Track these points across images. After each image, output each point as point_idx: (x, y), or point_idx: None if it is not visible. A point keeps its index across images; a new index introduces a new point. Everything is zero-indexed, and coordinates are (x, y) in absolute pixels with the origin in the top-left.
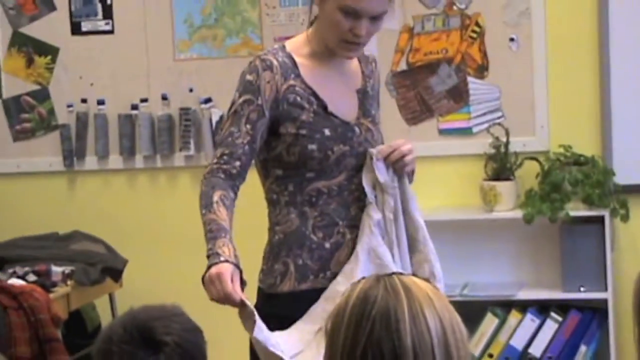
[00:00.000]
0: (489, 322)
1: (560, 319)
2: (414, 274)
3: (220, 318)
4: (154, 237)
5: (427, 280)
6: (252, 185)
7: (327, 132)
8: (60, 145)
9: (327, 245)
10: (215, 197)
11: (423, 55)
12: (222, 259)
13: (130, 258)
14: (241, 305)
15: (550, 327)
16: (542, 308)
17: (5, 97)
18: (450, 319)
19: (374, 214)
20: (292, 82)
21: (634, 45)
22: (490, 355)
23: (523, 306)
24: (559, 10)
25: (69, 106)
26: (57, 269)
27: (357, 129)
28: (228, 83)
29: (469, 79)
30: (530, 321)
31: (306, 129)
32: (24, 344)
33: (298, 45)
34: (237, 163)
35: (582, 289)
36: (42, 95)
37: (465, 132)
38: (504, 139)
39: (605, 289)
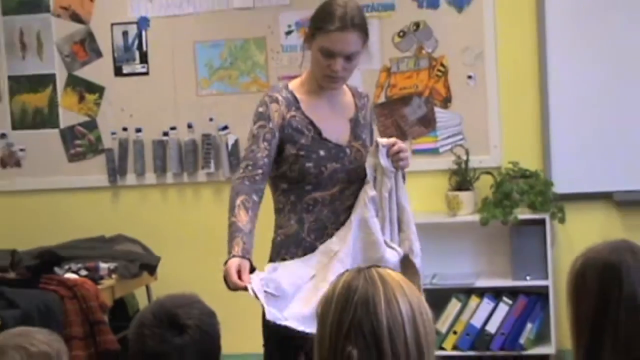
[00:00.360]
0: (453, 305)
1: (510, 302)
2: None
3: (233, 304)
4: (182, 239)
5: (407, 255)
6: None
7: (321, 152)
8: (105, 166)
9: (318, 244)
10: (237, 202)
11: (399, 90)
12: (230, 256)
13: (162, 256)
14: (247, 290)
15: (503, 309)
16: (496, 293)
17: (62, 127)
18: (419, 302)
19: (369, 191)
20: (293, 113)
21: (568, 80)
22: (455, 332)
23: (481, 292)
24: (508, 53)
25: (112, 134)
26: (103, 265)
27: (348, 150)
28: (241, 113)
29: (436, 109)
30: (486, 304)
31: (304, 151)
32: (77, 325)
33: (298, 85)
34: (259, 171)
35: (528, 277)
36: (91, 125)
37: (433, 151)
38: (464, 157)
39: (547, 278)
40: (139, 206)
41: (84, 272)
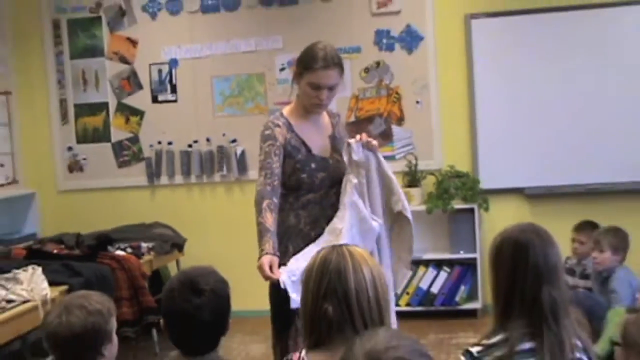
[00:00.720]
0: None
1: (449, 270)
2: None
3: (240, 273)
4: (203, 224)
5: (400, 211)
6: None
7: (313, 165)
8: (145, 170)
9: (312, 234)
10: (264, 205)
11: (365, 112)
12: (263, 252)
13: (188, 237)
14: (279, 283)
15: (443, 275)
16: (438, 264)
17: (113, 142)
18: (378, 271)
19: (352, 179)
20: (289, 135)
21: (491, 104)
22: (407, 293)
23: (426, 263)
24: (446, 84)
25: (150, 146)
26: (144, 245)
27: (331, 161)
28: (247, 130)
29: (393, 126)
30: (431, 272)
31: (300, 164)
32: (125, 289)
33: (290, 112)
34: (276, 178)
35: (461, 252)
36: (134, 140)
37: (391, 158)
38: (414, 162)
39: (475, 252)
40: (170, 200)
41: (129, 250)
